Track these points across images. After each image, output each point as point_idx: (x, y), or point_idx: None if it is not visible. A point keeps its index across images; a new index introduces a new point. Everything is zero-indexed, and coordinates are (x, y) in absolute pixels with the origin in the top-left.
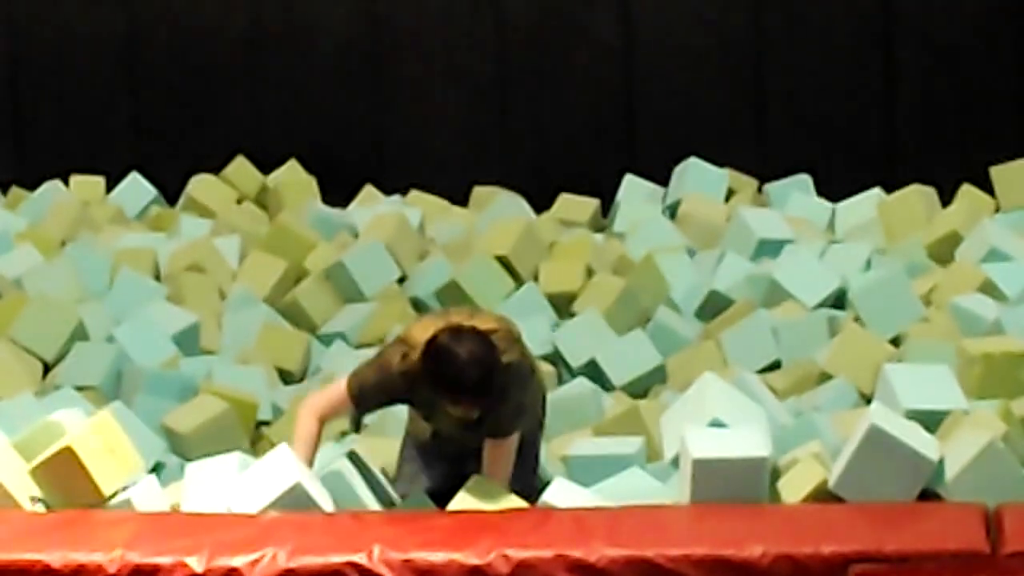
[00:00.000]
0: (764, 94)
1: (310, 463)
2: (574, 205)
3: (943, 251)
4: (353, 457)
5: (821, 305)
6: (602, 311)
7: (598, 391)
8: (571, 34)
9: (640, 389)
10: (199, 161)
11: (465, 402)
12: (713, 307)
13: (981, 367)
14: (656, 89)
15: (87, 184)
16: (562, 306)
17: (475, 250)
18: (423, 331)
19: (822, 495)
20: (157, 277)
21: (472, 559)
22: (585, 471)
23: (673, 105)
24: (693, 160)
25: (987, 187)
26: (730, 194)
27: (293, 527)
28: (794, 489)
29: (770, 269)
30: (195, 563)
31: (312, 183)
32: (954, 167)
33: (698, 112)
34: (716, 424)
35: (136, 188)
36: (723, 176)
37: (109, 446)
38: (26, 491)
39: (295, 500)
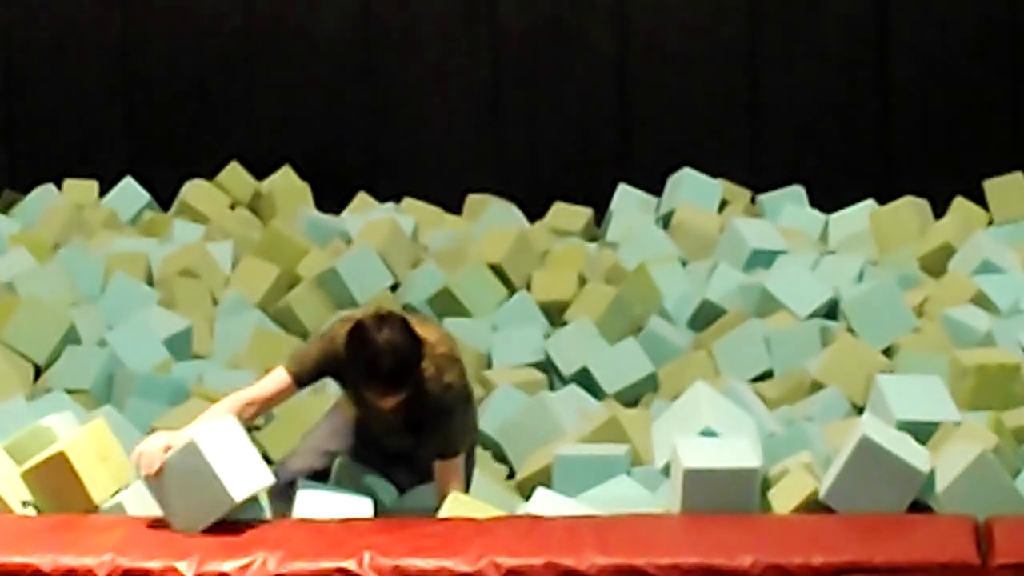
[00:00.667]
0: (758, 105)
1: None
2: (567, 214)
3: (936, 263)
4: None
5: (813, 315)
6: (594, 320)
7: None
8: (566, 44)
9: (632, 397)
10: (193, 166)
11: (377, 387)
12: (705, 317)
13: (973, 379)
14: (650, 99)
15: (80, 188)
16: (554, 314)
17: (468, 258)
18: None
19: (813, 506)
20: (150, 282)
21: (462, 566)
22: (571, 474)
23: (667, 115)
24: (687, 170)
25: (980, 200)
26: (723, 204)
27: (283, 533)
28: (785, 499)
29: (763, 279)
30: (185, 568)
31: (306, 189)
32: (947, 179)
33: (692, 123)
34: (707, 433)
35: (130, 193)
36: (716, 186)
37: (102, 454)
38: (16, 495)
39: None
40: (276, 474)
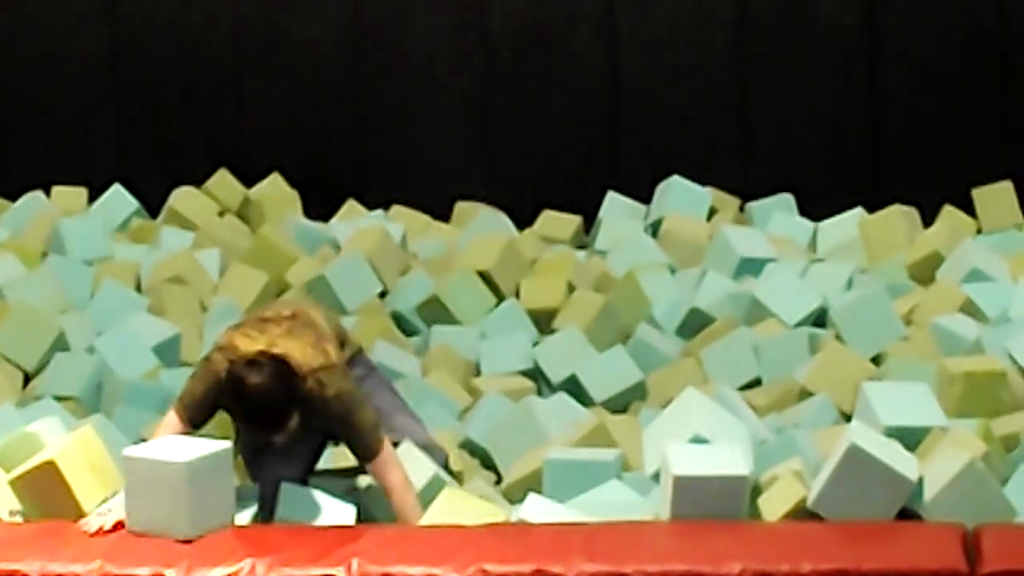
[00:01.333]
0: (747, 113)
1: None
2: (556, 222)
3: (924, 271)
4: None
5: (802, 323)
6: (583, 327)
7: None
8: (555, 52)
9: (620, 405)
10: (181, 173)
11: (260, 432)
12: (694, 324)
13: (961, 386)
14: (639, 107)
15: (69, 195)
16: (543, 322)
17: (457, 265)
18: (245, 341)
19: (801, 513)
20: (139, 289)
21: (451, 573)
22: (561, 479)
23: (656, 123)
24: (676, 178)
25: (969, 208)
26: (712, 212)
27: (272, 539)
28: (773, 507)
29: (752, 287)
30: (174, 575)
31: (295, 197)
32: (936, 188)
33: (681, 130)
34: (697, 440)
35: (118, 200)
36: (706, 194)
37: (90, 462)
38: (4, 502)
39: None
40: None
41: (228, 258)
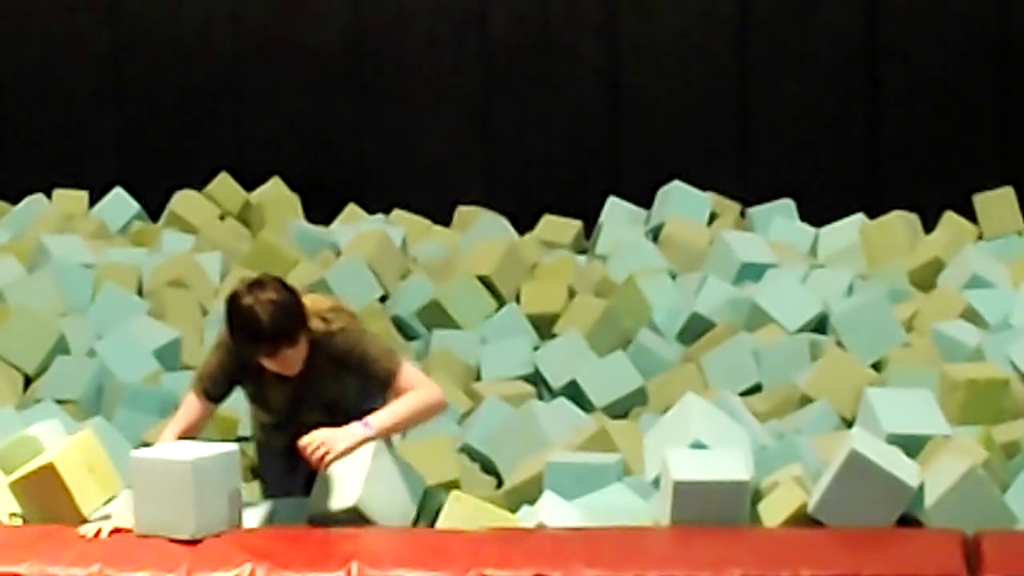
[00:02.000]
0: (748, 119)
1: None
2: (557, 226)
3: (925, 277)
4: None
5: (802, 329)
6: (583, 332)
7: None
8: (556, 57)
9: (621, 411)
10: (182, 177)
11: (266, 346)
12: (695, 330)
13: (963, 393)
14: (640, 112)
15: (70, 198)
16: (544, 327)
17: (457, 270)
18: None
19: (802, 519)
20: (139, 292)
21: None
22: (563, 482)
23: (657, 128)
24: (676, 183)
25: (970, 214)
26: (713, 217)
27: (272, 543)
28: (774, 512)
29: (752, 293)
30: None
31: (295, 200)
32: (937, 194)
33: (682, 136)
34: (698, 446)
35: (119, 203)
36: (706, 200)
37: (90, 465)
38: (3, 505)
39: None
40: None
41: (229, 262)
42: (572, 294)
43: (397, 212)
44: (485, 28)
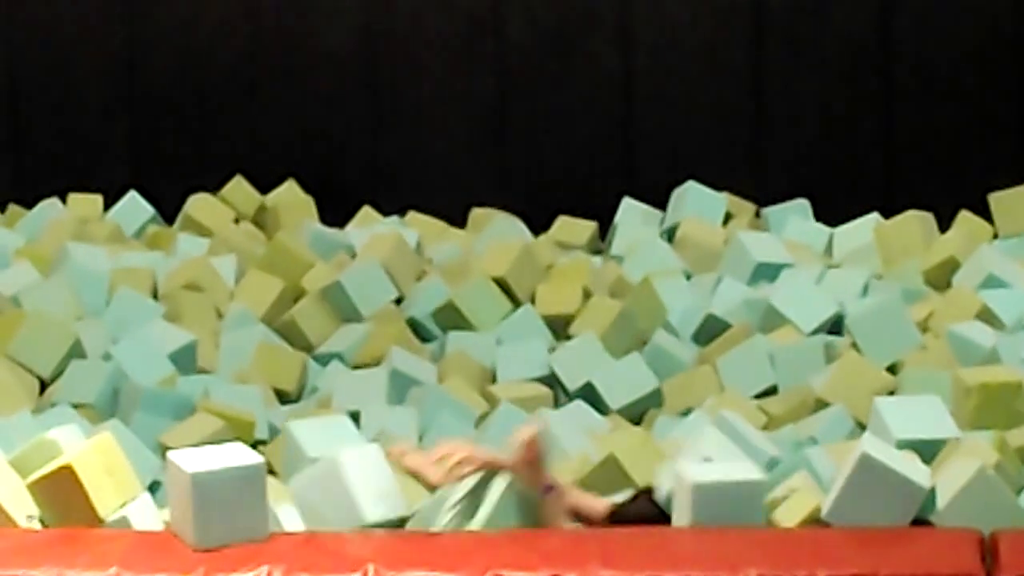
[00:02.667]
0: (763, 119)
1: None
2: (572, 227)
3: (940, 277)
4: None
5: (818, 330)
6: (599, 334)
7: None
8: (571, 57)
9: (636, 413)
10: (197, 180)
11: None
12: (710, 331)
13: (977, 397)
14: (655, 112)
15: (85, 202)
16: (559, 328)
17: (472, 271)
18: None
19: (814, 524)
20: (154, 296)
21: None
22: None
23: (672, 129)
24: (691, 184)
25: (985, 214)
26: (728, 218)
27: (289, 545)
28: (786, 520)
29: (767, 293)
30: None
31: (310, 203)
32: (952, 193)
33: (697, 136)
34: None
35: (134, 206)
36: (721, 200)
37: (108, 467)
38: (21, 508)
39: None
40: None
41: (244, 265)
42: (587, 295)
43: (412, 214)
44: (499, 30)
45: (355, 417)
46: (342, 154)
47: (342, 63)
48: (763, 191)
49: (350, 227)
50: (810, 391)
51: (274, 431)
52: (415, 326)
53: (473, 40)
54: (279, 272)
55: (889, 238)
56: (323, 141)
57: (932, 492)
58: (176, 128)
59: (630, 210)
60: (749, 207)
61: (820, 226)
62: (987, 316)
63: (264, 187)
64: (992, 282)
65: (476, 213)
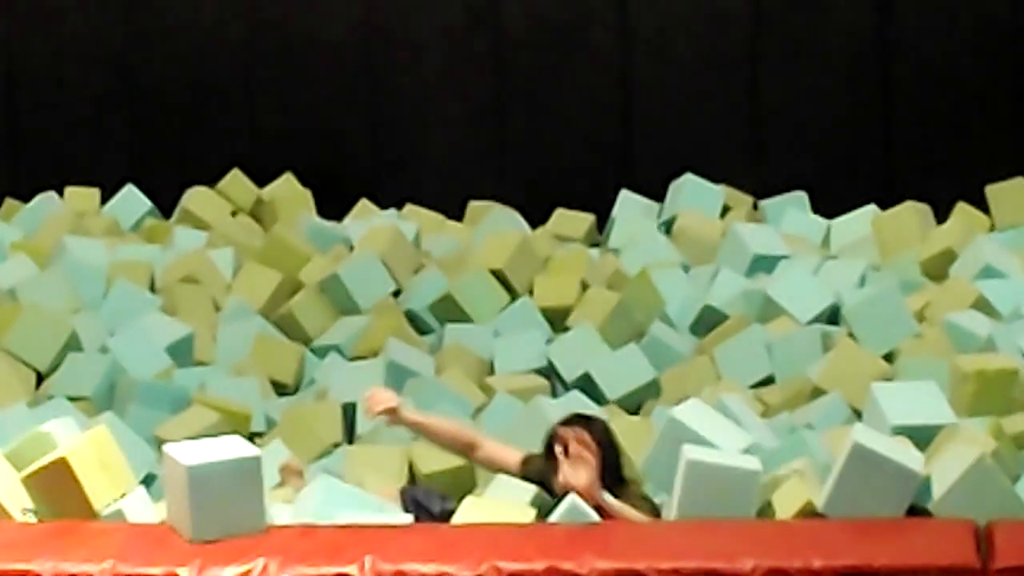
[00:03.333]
0: (760, 111)
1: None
2: (569, 220)
3: (937, 268)
4: None
5: (815, 321)
6: (596, 325)
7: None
8: (568, 51)
9: (634, 403)
10: (194, 174)
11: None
12: (707, 322)
13: (974, 384)
14: (653, 106)
15: (82, 195)
16: (556, 320)
17: (470, 264)
18: None
19: (810, 516)
20: (152, 289)
21: (464, 571)
22: None
23: (669, 122)
24: (689, 176)
25: (982, 205)
26: (725, 210)
27: (285, 538)
28: (781, 510)
29: (764, 285)
30: (186, 574)
31: (308, 196)
32: (949, 185)
33: (694, 129)
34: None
35: (131, 200)
36: (719, 192)
37: (103, 461)
38: (17, 501)
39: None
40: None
41: (241, 257)
42: (585, 287)
43: (409, 207)
44: (497, 23)
45: (352, 409)
46: (340, 147)
47: (340, 57)
48: (760, 184)
49: (348, 220)
50: (807, 380)
51: (271, 423)
52: (413, 318)
53: (471, 33)
54: (277, 265)
55: (886, 230)
56: (320, 134)
57: (928, 480)
58: (173, 122)
59: (627, 203)
60: (746, 199)
61: (817, 218)
62: (983, 306)
63: (262, 180)
64: (989, 273)
65: (474, 206)
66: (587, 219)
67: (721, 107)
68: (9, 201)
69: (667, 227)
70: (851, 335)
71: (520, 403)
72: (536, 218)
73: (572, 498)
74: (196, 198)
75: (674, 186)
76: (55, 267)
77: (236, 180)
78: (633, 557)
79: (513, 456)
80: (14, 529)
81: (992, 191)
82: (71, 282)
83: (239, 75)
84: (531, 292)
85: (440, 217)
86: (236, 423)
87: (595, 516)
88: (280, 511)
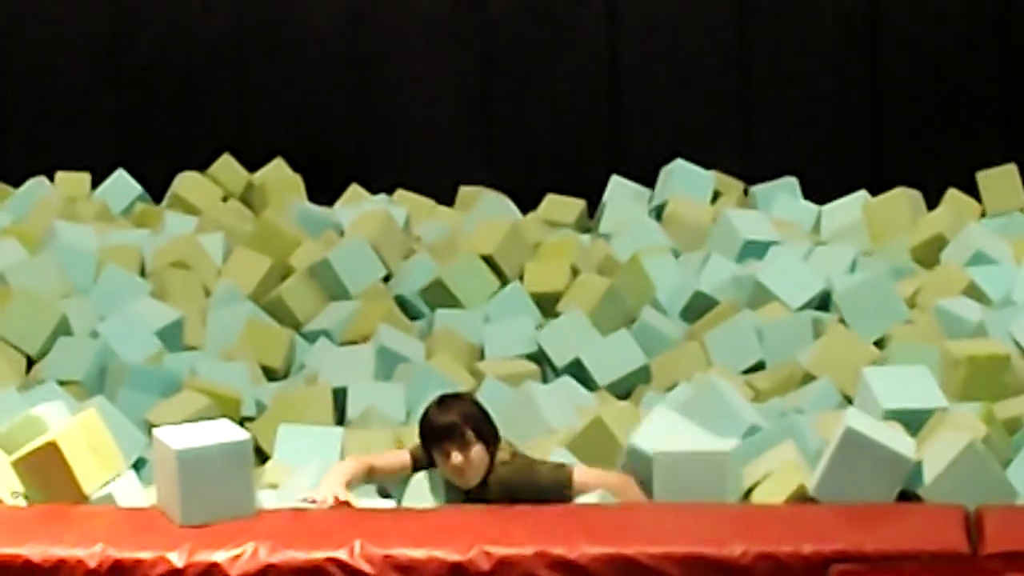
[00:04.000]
0: (750, 97)
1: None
2: (560, 205)
3: (928, 254)
4: None
5: (806, 307)
6: (587, 311)
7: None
8: (558, 36)
9: (624, 389)
10: (185, 159)
11: (442, 446)
12: (698, 308)
13: (965, 369)
14: (643, 91)
15: (72, 180)
16: (547, 306)
17: (460, 249)
18: None
19: (801, 500)
20: (142, 273)
21: (453, 555)
22: None
23: (660, 107)
24: (679, 162)
25: (973, 191)
26: (716, 196)
27: (274, 522)
28: (772, 496)
29: (755, 270)
30: (176, 558)
31: (298, 181)
32: (940, 171)
33: (684, 114)
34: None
35: (121, 185)
36: (709, 178)
37: (93, 444)
38: (7, 485)
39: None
40: None
41: (231, 242)
42: (575, 273)
43: (400, 192)
44: (486, 7)
45: (342, 394)
46: (330, 132)
47: (329, 41)
48: (751, 169)
49: (338, 205)
50: (797, 365)
51: (261, 407)
52: (403, 303)
53: (459, 18)
54: (267, 250)
55: (877, 216)
56: (311, 119)
57: (919, 465)
58: (164, 107)
59: (618, 188)
60: (737, 185)
61: (808, 204)
62: (974, 292)
63: (252, 165)
64: (979, 259)
65: (464, 191)
66: (578, 204)
67: (711, 93)
68: None
69: (658, 213)
70: (842, 321)
71: (510, 388)
72: (527, 203)
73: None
74: (186, 183)
75: (665, 172)
76: (45, 252)
77: (226, 165)
78: (623, 542)
79: (402, 457)
80: (4, 513)
81: (983, 177)
82: (61, 267)
83: (229, 60)
84: (521, 277)
85: (430, 202)
86: (226, 407)
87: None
88: (269, 495)
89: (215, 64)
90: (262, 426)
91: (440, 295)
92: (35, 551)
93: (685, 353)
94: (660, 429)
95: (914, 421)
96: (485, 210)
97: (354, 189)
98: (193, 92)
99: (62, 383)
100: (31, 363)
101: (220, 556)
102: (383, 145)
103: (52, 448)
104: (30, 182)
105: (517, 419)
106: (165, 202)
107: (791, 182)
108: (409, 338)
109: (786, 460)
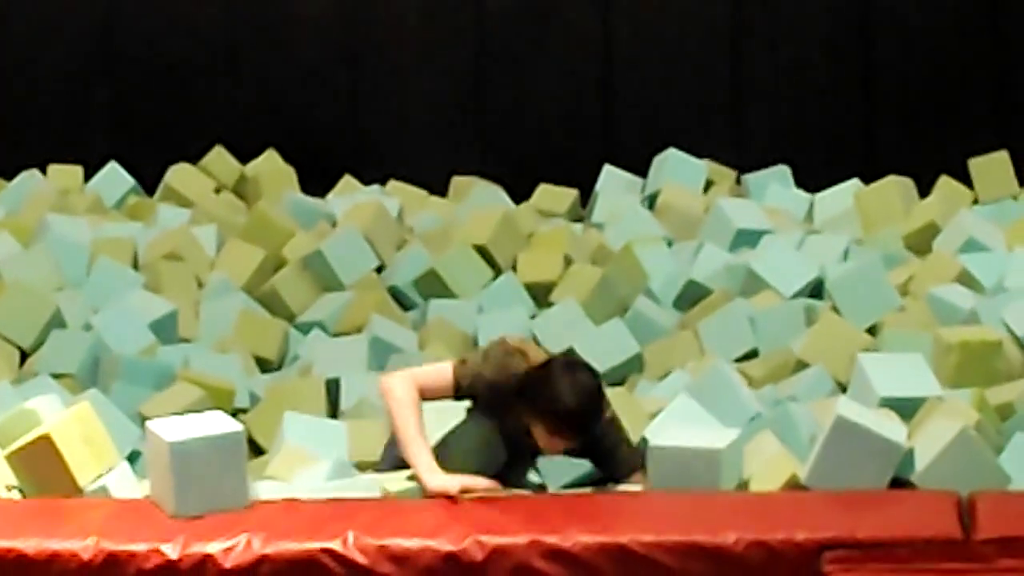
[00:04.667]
0: (743, 85)
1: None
2: (553, 195)
3: (920, 242)
4: None
5: (798, 295)
6: (580, 301)
7: None
8: (550, 24)
9: (618, 378)
10: (177, 150)
11: (559, 431)
12: (691, 297)
13: (957, 355)
14: (635, 80)
15: (65, 173)
16: (540, 295)
17: (453, 239)
18: (540, 354)
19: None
20: (135, 266)
21: (447, 545)
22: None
23: (652, 96)
24: (672, 151)
25: (965, 179)
26: (709, 185)
27: (268, 513)
28: (764, 484)
29: (748, 259)
30: (170, 550)
31: (290, 172)
32: (932, 159)
33: (677, 103)
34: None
35: (114, 177)
36: (702, 167)
37: (87, 437)
38: (1, 479)
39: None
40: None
41: (225, 234)
42: (568, 262)
43: (393, 183)
44: None
45: (336, 385)
46: (322, 123)
47: (321, 32)
48: (743, 158)
49: (331, 196)
50: (790, 353)
51: (255, 399)
52: (396, 294)
53: (452, 8)
54: (260, 241)
55: (869, 204)
56: (303, 110)
57: (911, 453)
58: (156, 99)
59: (611, 177)
60: (729, 174)
61: (800, 192)
62: (967, 280)
63: (244, 157)
64: (972, 246)
65: (457, 181)
66: (570, 194)
67: (704, 81)
68: None
69: (650, 202)
70: (834, 309)
71: None
72: (519, 193)
73: None
74: (179, 175)
75: (657, 161)
76: (38, 245)
77: (219, 157)
78: (617, 530)
79: (445, 380)
80: None
81: (975, 164)
82: (54, 259)
83: (221, 52)
84: (515, 267)
85: (423, 193)
86: (220, 399)
87: None
88: (264, 486)
89: (207, 56)
90: (256, 418)
91: (433, 285)
92: (29, 544)
93: (678, 342)
94: (677, 419)
95: (908, 408)
96: (478, 200)
97: (347, 180)
98: (185, 84)
99: (55, 376)
100: (24, 356)
101: (214, 548)
102: (376, 136)
103: (46, 441)
104: (22, 175)
105: None
106: (158, 194)
107: (783, 171)
108: (402, 329)
109: (779, 448)
